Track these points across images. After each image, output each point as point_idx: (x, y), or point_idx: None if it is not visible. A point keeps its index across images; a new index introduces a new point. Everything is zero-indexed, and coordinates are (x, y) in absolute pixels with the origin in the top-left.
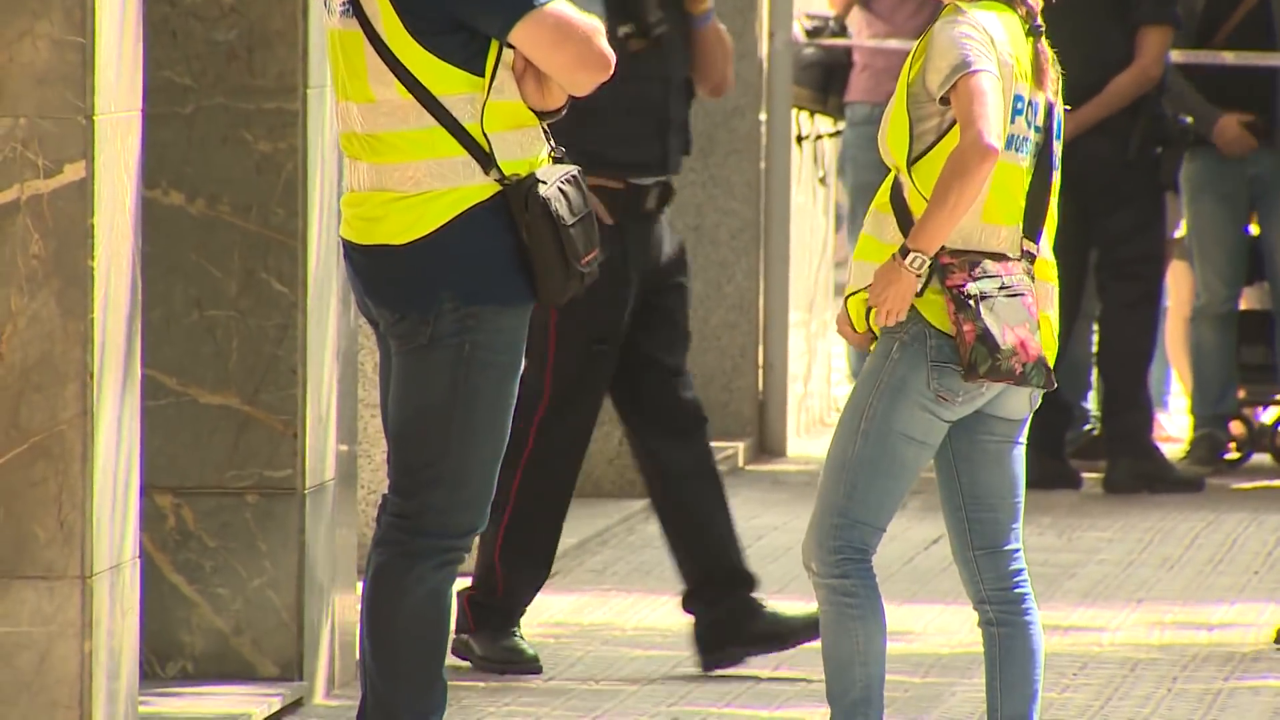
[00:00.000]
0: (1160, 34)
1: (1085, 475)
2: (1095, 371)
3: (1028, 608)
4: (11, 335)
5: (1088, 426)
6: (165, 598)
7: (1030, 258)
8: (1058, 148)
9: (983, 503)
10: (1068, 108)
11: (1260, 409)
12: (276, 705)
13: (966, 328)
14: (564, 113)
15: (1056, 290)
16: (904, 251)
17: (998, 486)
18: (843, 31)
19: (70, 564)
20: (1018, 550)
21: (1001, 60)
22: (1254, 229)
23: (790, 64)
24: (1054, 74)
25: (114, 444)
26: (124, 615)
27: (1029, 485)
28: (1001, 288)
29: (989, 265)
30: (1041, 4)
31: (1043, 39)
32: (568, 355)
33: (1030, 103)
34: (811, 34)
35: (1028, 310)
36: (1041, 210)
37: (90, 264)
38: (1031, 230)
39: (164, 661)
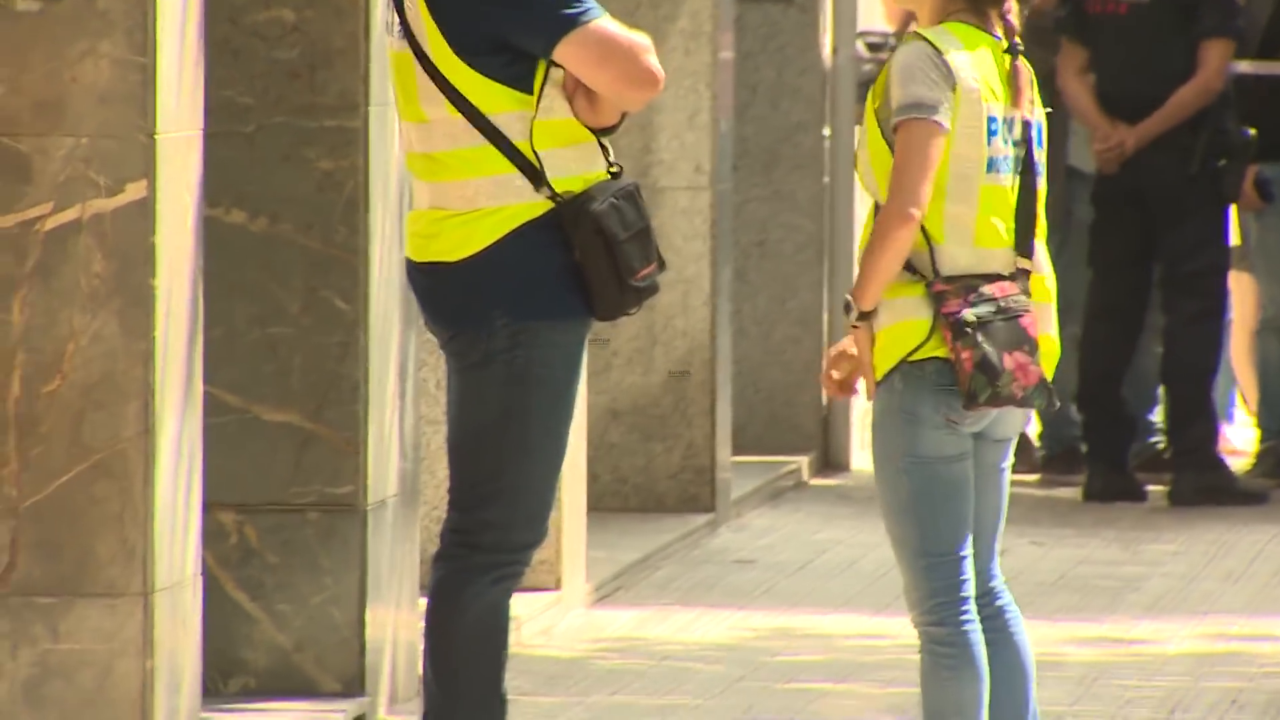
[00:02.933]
0: (1222, 47)
1: (1150, 488)
2: (1161, 385)
3: (1008, 619)
4: (74, 354)
5: (1153, 439)
6: (227, 615)
7: (1025, 275)
8: (1039, 156)
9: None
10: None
11: None
12: None
13: (964, 355)
14: (620, 127)
15: (1055, 308)
16: (845, 306)
17: (981, 511)
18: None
19: (132, 582)
20: (994, 569)
21: (965, 86)
22: None
23: (853, 79)
24: (1031, 93)
25: (175, 462)
26: (186, 633)
27: (1094, 498)
28: (998, 311)
29: (984, 289)
30: (1020, 25)
31: (1020, 57)
32: None
33: (1006, 120)
34: (872, 49)
35: (1026, 331)
36: (1030, 225)
37: (152, 283)
38: (1024, 247)
39: (226, 678)
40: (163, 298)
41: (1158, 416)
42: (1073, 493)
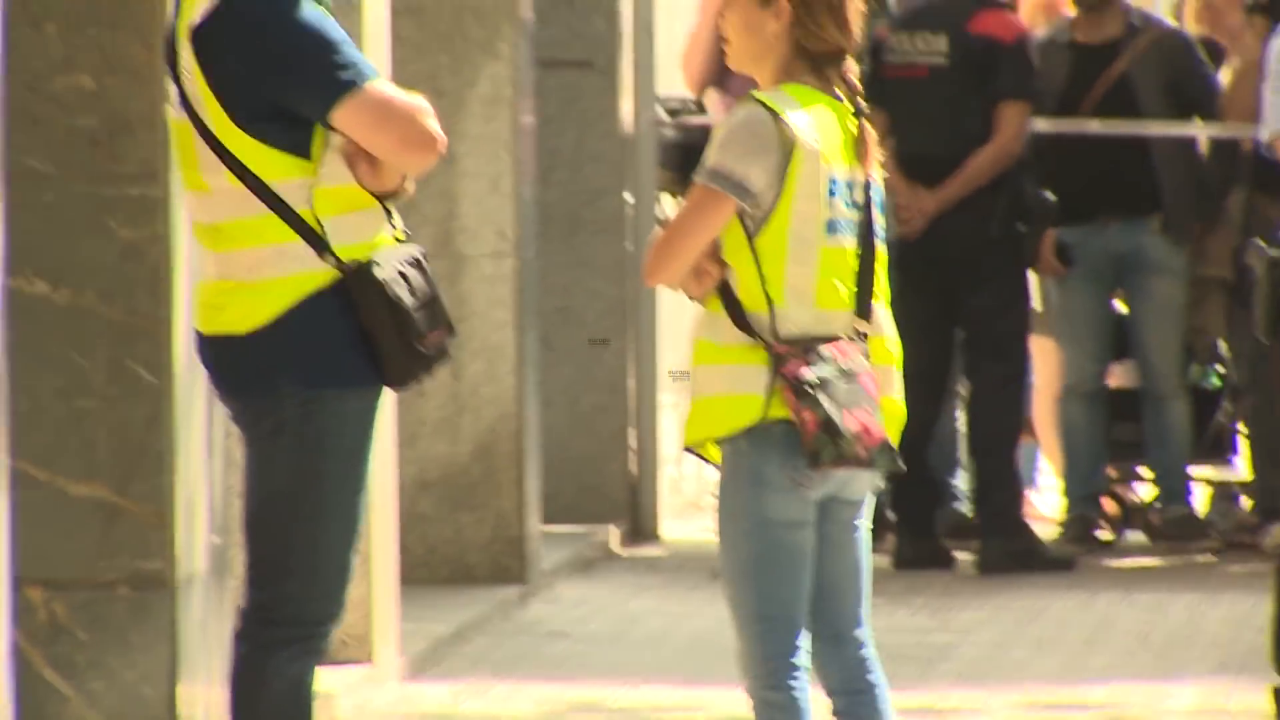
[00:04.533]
0: (1019, 109)
1: (958, 555)
2: (968, 450)
3: (878, 697)
4: None
5: (957, 504)
6: (39, 693)
7: (864, 337)
8: (879, 218)
9: (825, 590)
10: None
11: (1130, 486)
12: None
13: (807, 415)
14: (407, 192)
15: (897, 370)
16: None
17: (840, 573)
18: (701, 111)
19: None
20: (864, 637)
21: (804, 147)
22: (1120, 306)
23: (654, 143)
24: (877, 152)
25: None
26: None
27: (903, 565)
28: (840, 372)
29: (824, 350)
30: (862, 86)
31: (865, 118)
32: None
33: (848, 183)
34: (672, 114)
35: (867, 392)
36: (869, 287)
37: None
38: (863, 309)
39: None
40: None
41: (961, 481)
42: (881, 559)
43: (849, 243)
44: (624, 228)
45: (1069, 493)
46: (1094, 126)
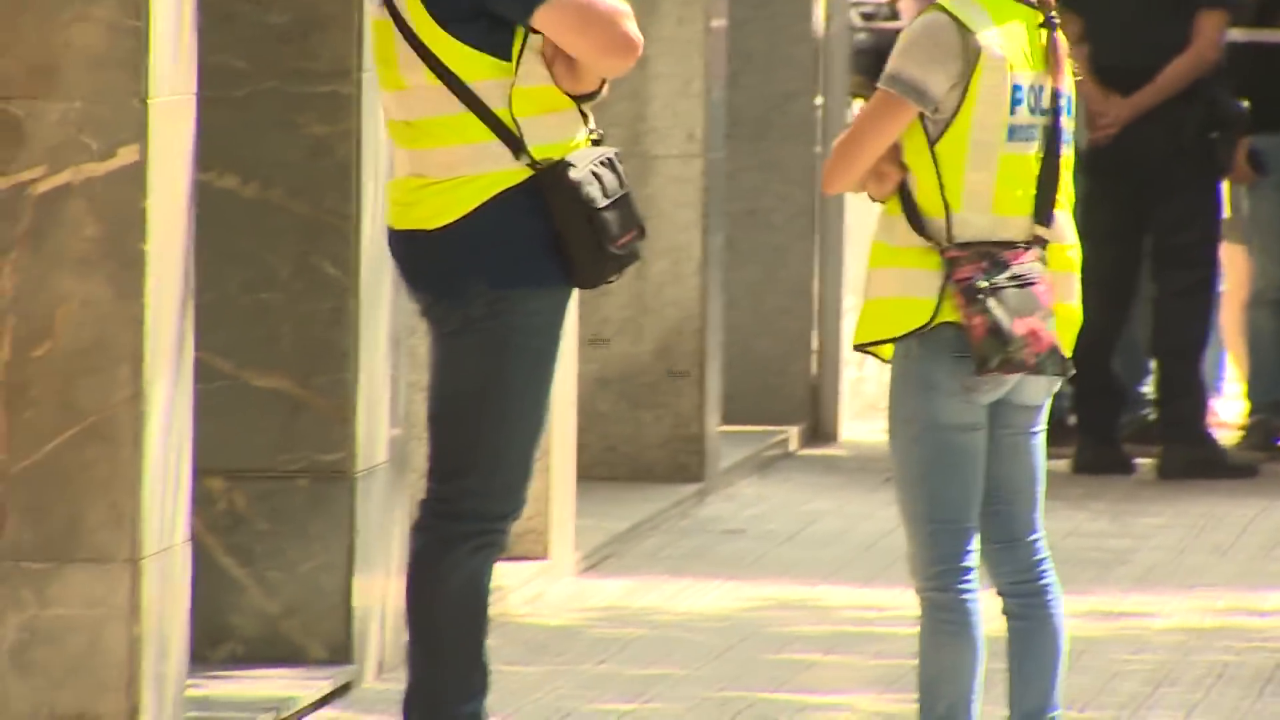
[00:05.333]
0: (1216, 18)
1: (1139, 461)
2: (1151, 357)
3: (1049, 599)
4: (64, 318)
5: (1144, 411)
6: (216, 581)
7: (1043, 244)
8: (1067, 124)
9: (1001, 495)
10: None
11: None
12: (326, 689)
13: (976, 321)
14: (601, 95)
15: (1076, 276)
16: None
17: (1016, 479)
18: (895, 16)
19: (121, 547)
20: (1038, 541)
21: (988, 54)
22: None
23: (846, 48)
24: (1067, 65)
25: (166, 427)
26: (174, 599)
27: (1083, 470)
28: (1012, 278)
29: (999, 255)
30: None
31: (1058, 30)
32: None
33: (1033, 88)
34: (866, 18)
35: (1039, 299)
36: (1051, 194)
37: (143, 247)
38: (1043, 215)
39: (214, 645)
40: (154, 262)
41: (1149, 388)
42: (1062, 464)
43: (1032, 149)
44: (814, 132)
45: (1252, 399)
46: None
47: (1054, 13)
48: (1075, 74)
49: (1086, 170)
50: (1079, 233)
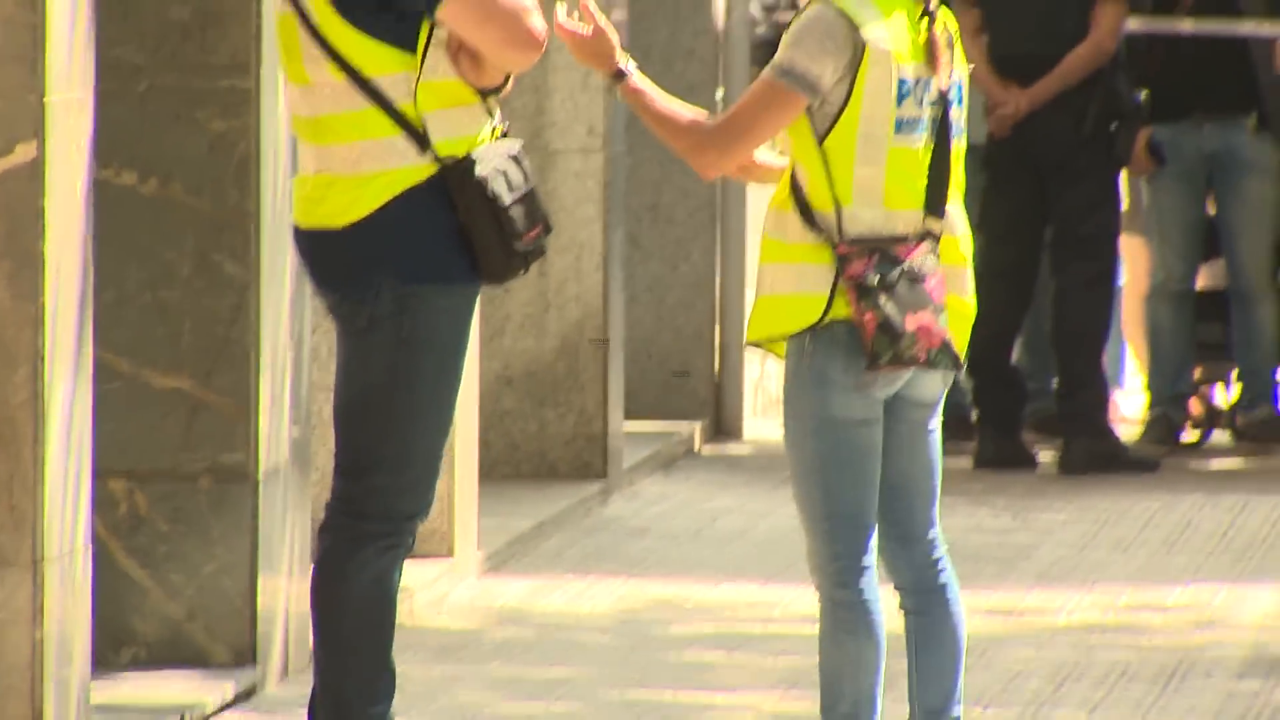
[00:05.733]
0: (1114, 8)
1: (1041, 456)
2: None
3: (948, 595)
4: None
5: (1044, 402)
6: (118, 584)
7: (935, 237)
8: (957, 115)
9: (897, 491)
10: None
11: (1215, 388)
12: (230, 693)
13: (867, 317)
14: (507, 89)
15: (968, 270)
16: (620, 75)
17: (912, 474)
18: (795, 8)
19: (21, 550)
20: (935, 537)
21: (873, 47)
22: (1210, 207)
23: (747, 41)
24: (948, 55)
25: (65, 428)
26: (76, 602)
27: (985, 465)
28: (903, 273)
29: (890, 250)
30: None
31: (938, 22)
32: None
33: (919, 81)
34: (767, 10)
35: (930, 295)
36: (943, 187)
37: (41, 246)
38: (934, 208)
39: (117, 648)
40: (52, 261)
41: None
42: (964, 460)
43: (920, 142)
44: None
45: (1154, 393)
46: (1188, 26)
47: (933, 4)
48: (967, 63)
49: (986, 162)
50: (979, 225)
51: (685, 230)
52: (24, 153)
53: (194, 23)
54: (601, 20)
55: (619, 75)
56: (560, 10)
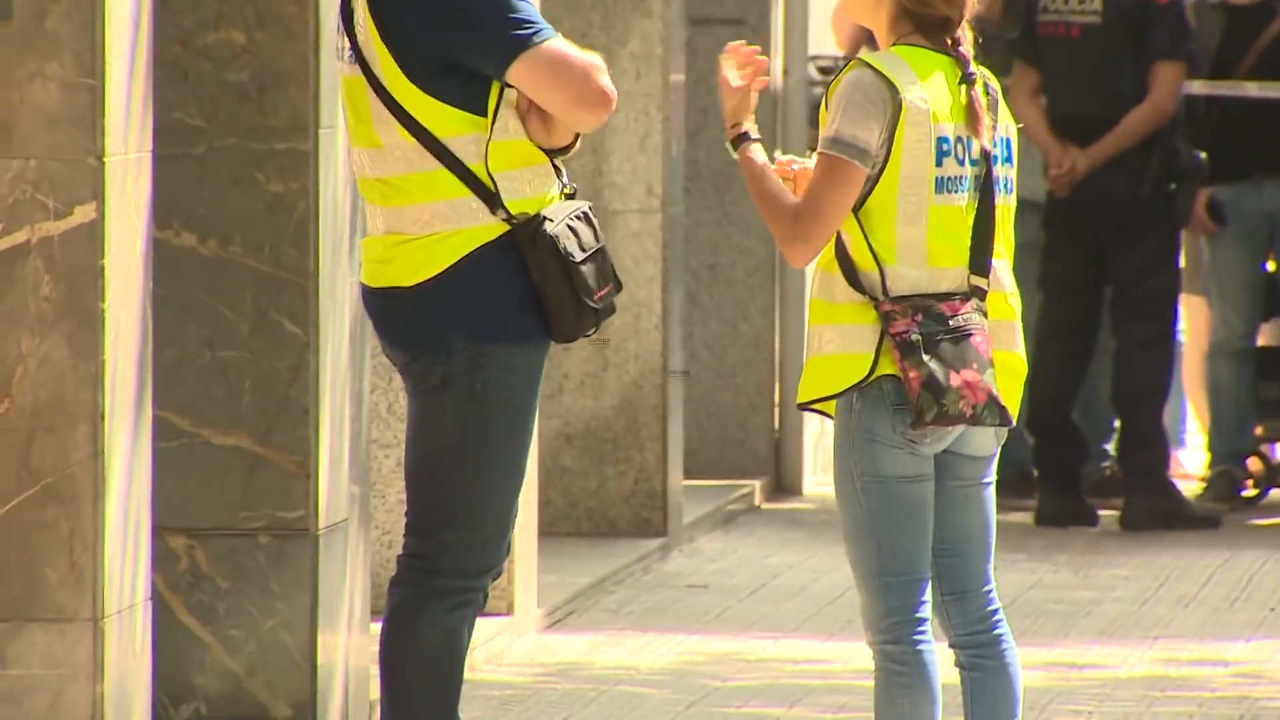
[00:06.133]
0: (1173, 70)
1: (1102, 513)
2: (1112, 408)
3: (1004, 649)
4: (22, 377)
5: (1105, 465)
6: (178, 639)
7: (981, 294)
8: (1003, 172)
9: (952, 547)
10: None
11: (1276, 445)
12: None
13: (912, 374)
14: (575, 149)
15: (1017, 324)
16: (742, 139)
17: (966, 530)
18: None
19: (82, 606)
20: (990, 591)
21: (911, 108)
22: (1271, 265)
23: (804, 101)
24: (989, 119)
25: (125, 485)
26: (136, 657)
27: (1046, 522)
28: (948, 330)
29: (934, 308)
30: (974, 53)
31: (976, 86)
32: None
33: (959, 139)
34: (824, 73)
35: (977, 350)
36: (987, 244)
37: (101, 305)
38: (979, 265)
39: (177, 704)
40: (112, 320)
41: (1112, 445)
42: (1025, 517)
43: (962, 200)
44: None
45: (1214, 450)
46: (1250, 89)
47: (973, 69)
48: (1016, 121)
49: (1045, 222)
50: (1038, 284)
51: (744, 290)
52: (83, 214)
53: (252, 85)
54: (755, 81)
55: (742, 137)
56: (726, 64)
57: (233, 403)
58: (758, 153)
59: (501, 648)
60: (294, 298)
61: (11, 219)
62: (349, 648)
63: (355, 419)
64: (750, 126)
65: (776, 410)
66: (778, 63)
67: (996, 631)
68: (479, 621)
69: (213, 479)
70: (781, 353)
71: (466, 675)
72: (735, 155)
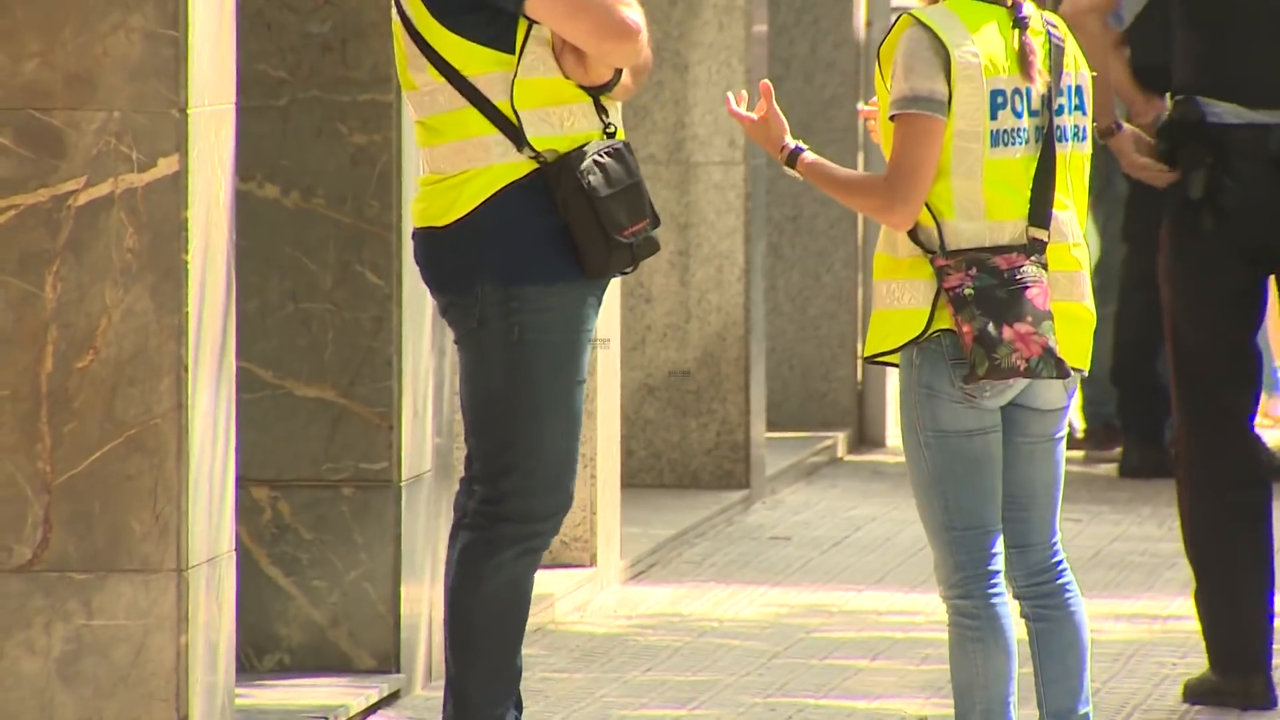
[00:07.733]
0: None
1: None
2: None
3: (1068, 598)
4: (106, 329)
5: None
6: (262, 590)
7: (1040, 246)
8: (1073, 120)
9: (1017, 501)
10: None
11: None
12: (374, 697)
13: (964, 329)
14: (618, 86)
15: (1085, 275)
16: (794, 155)
17: (1032, 484)
18: None
19: (166, 557)
20: (1055, 543)
21: (961, 63)
22: None
23: None
24: (1043, 63)
25: (209, 437)
26: (220, 608)
27: (1130, 473)
28: (1001, 283)
29: (988, 261)
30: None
31: (1029, 31)
32: None
33: (1016, 92)
34: None
35: (1032, 303)
36: (1047, 195)
37: (184, 257)
38: (1038, 217)
39: (261, 654)
40: (195, 272)
41: None
42: (1110, 468)
43: (1018, 152)
44: (855, 137)
45: None
46: None
47: (1024, 11)
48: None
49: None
50: (1122, 235)
51: (827, 241)
52: (167, 165)
53: (334, 37)
54: (771, 105)
55: (793, 155)
56: (731, 98)
57: (316, 354)
58: (811, 156)
59: (585, 599)
60: (376, 249)
61: (95, 171)
62: (432, 599)
63: (438, 370)
64: (792, 141)
65: (859, 362)
66: (860, 14)
67: (1060, 581)
68: (562, 573)
69: (296, 431)
70: (864, 304)
71: (550, 625)
72: (796, 173)
